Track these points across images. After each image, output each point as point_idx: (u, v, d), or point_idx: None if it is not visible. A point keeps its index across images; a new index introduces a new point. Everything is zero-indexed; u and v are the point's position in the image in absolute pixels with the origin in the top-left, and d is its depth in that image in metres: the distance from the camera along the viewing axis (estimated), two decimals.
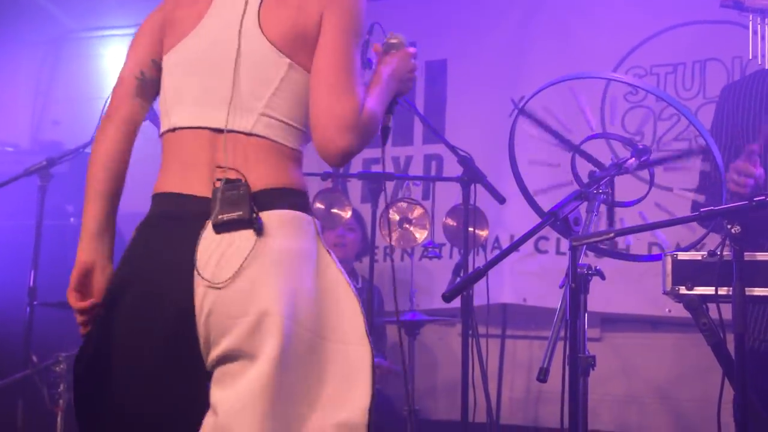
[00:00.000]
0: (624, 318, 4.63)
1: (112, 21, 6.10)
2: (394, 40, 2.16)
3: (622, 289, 4.20)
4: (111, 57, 6.01)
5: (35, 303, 3.73)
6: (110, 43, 6.12)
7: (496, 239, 4.84)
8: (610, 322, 4.63)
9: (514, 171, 2.80)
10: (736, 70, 4.60)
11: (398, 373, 4.70)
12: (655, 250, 4.35)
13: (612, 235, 2.22)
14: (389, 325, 4.70)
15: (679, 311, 3.18)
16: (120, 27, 6.12)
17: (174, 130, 1.96)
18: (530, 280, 4.74)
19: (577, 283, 2.24)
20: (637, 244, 4.34)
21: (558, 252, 4.78)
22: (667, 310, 4.32)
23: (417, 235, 3.90)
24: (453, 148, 3.38)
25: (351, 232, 4.66)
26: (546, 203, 2.56)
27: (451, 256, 4.76)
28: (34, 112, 6.25)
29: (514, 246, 2.27)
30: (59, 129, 6.00)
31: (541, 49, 4.97)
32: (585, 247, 2.22)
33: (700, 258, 2.34)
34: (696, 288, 2.33)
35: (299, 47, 1.94)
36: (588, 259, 2.35)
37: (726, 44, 4.58)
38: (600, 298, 2.17)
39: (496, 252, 4.77)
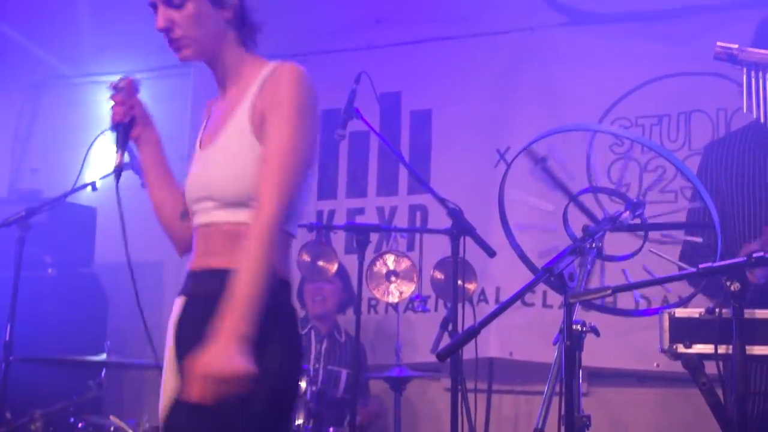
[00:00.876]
0: (612, 372, 4.56)
1: (95, 67, 6.06)
2: (121, 84, 2.27)
3: (611, 343, 4.14)
4: (92, 104, 5.96)
5: (11, 358, 3.62)
6: (92, 89, 6.07)
7: (482, 291, 4.78)
8: (598, 376, 4.56)
9: (504, 224, 2.74)
10: (721, 122, 4.60)
11: (380, 413, 4.60)
12: (643, 304, 4.30)
13: (609, 292, 2.17)
14: (374, 380, 4.61)
15: (667, 366, 3.13)
16: (102, 74, 6.08)
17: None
18: (517, 333, 4.68)
19: (573, 341, 2.18)
20: (623, 297, 4.29)
21: (545, 305, 4.72)
22: (655, 364, 4.26)
23: (404, 288, 3.83)
24: (442, 200, 3.34)
25: (328, 284, 4.58)
26: (530, 250, 2.52)
27: (436, 309, 4.69)
28: (13, 159, 6.17)
29: (509, 303, 2.20)
30: (38, 176, 5.92)
31: (525, 100, 4.96)
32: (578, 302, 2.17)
33: (698, 315, 2.29)
34: (694, 346, 2.28)
35: None
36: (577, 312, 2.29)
37: (711, 96, 4.59)
38: (587, 352, 2.12)
39: (482, 305, 4.70)
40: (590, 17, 4.95)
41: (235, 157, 2.10)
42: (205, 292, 2.04)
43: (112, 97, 2.25)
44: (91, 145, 3.87)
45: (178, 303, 2.17)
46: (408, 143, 5.25)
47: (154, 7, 2.18)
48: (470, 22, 5.17)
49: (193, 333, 2.01)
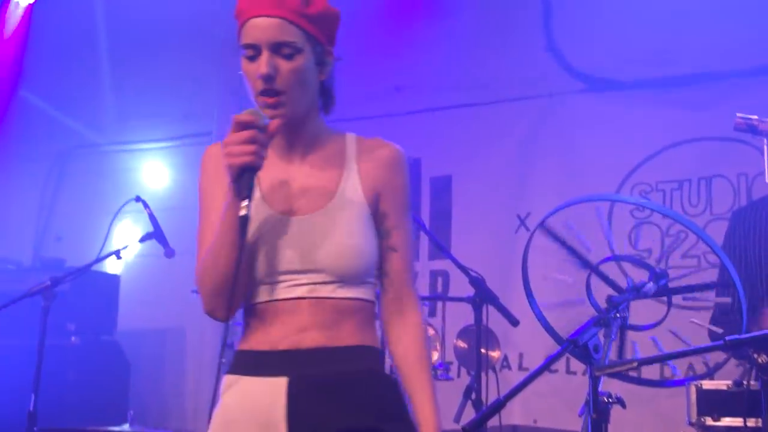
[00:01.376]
0: None
1: (120, 135, 6.16)
2: (259, 121, 1.90)
3: (637, 411, 4.09)
4: (116, 172, 6.04)
5: (35, 429, 3.62)
6: (116, 157, 6.16)
7: (505, 358, 4.75)
8: None
9: (528, 294, 2.74)
10: (742, 187, 4.60)
11: None
12: (667, 371, 4.26)
13: (635, 364, 2.15)
14: None
15: None
16: (126, 142, 6.17)
17: None
18: (541, 400, 4.64)
19: (599, 413, 2.16)
20: (648, 367, 4.25)
21: (568, 371, 4.69)
22: None
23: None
24: (463, 268, 3.34)
25: None
26: (555, 319, 2.51)
27: (459, 375, 4.66)
28: (37, 227, 6.23)
29: (534, 375, 2.20)
30: (62, 244, 5.97)
31: (545, 166, 4.99)
32: None
33: (725, 388, 2.27)
34: (723, 419, 2.26)
35: None
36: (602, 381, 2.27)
37: (731, 161, 4.59)
38: (613, 421, 2.10)
39: (505, 371, 4.68)
40: (608, 84, 4.99)
41: (357, 234, 1.97)
42: (338, 372, 1.91)
43: (253, 138, 1.84)
44: (116, 214, 3.92)
45: (273, 385, 1.91)
46: (428, 209, 5.28)
47: (256, 50, 1.95)
48: (489, 90, 5.23)
49: (325, 415, 1.88)
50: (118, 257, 3.92)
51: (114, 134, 6.19)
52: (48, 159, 6.30)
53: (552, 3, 5.16)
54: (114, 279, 5.23)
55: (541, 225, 2.65)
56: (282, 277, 1.94)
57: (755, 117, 2.49)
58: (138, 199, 3.78)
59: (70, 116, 6.19)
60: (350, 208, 2.00)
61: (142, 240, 3.88)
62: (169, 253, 3.86)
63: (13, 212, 6.26)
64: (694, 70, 4.80)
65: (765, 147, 2.46)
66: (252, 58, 1.96)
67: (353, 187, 2.02)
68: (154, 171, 6.02)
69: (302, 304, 1.93)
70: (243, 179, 1.82)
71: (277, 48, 1.94)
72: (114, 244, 4.19)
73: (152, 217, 3.78)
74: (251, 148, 1.82)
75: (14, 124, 6.14)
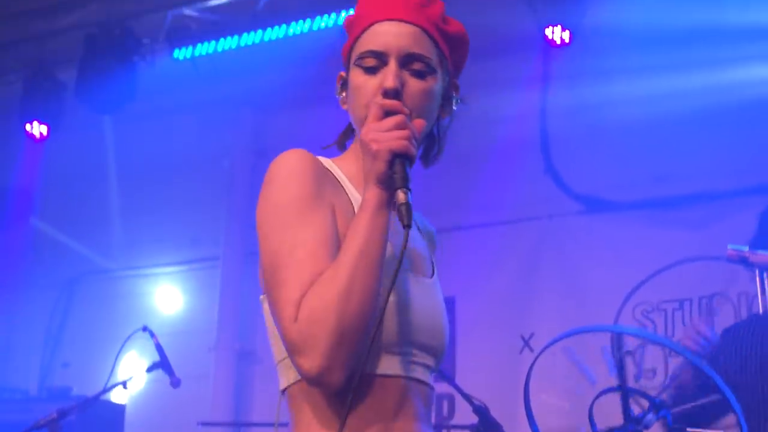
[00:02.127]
0: None
1: (127, 261, 6.24)
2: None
3: None
4: (124, 297, 6.10)
5: None
6: (124, 283, 6.23)
7: None
8: None
9: (530, 419, 2.77)
10: (743, 305, 4.64)
11: None
12: None
13: None
14: None
15: None
16: (134, 267, 6.25)
17: None
18: None
19: None
20: None
21: None
22: None
23: None
24: (467, 397, 3.36)
25: None
26: None
27: None
28: (44, 354, 6.25)
29: None
30: (69, 371, 5.99)
31: (547, 286, 5.05)
32: None
33: None
34: None
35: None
36: None
37: (731, 280, 4.63)
38: None
39: None
40: (606, 205, 5.09)
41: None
42: None
43: (404, 123, 1.53)
44: (124, 344, 3.96)
45: None
46: None
47: (380, 60, 1.61)
48: (490, 212, 5.32)
49: None
50: (125, 387, 3.96)
51: (123, 260, 6.28)
52: (57, 285, 6.38)
53: (549, 127, 5.30)
54: (119, 409, 5.21)
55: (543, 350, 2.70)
56: (407, 350, 1.56)
57: (746, 249, 2.56)
58: (145, 328, 3.83)
59: (79, 242, 6.29)
60: (440, 291, 1.71)
61: (148, 370, 3.92)
62: (175, 382, 3.89)
63: (21, 340, 6.30)
64: (690, 190, 4.89)
65: (757, 278, 2.52)
66: (370, 70, 1.62)
67: (435, 268, 1.76)
68: (162, 295, 6.09)
69: (415, 388, 1.57)
70: (395, 168, 1.48)
71: (408, 61, 1.62)
72: (121, 373, 4.22)
73: (159, 347, 3.82)
74: (404, 132, 1.50)
75: (24, 251, 6.24)
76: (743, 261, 2.51)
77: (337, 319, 1.42)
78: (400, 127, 1.51)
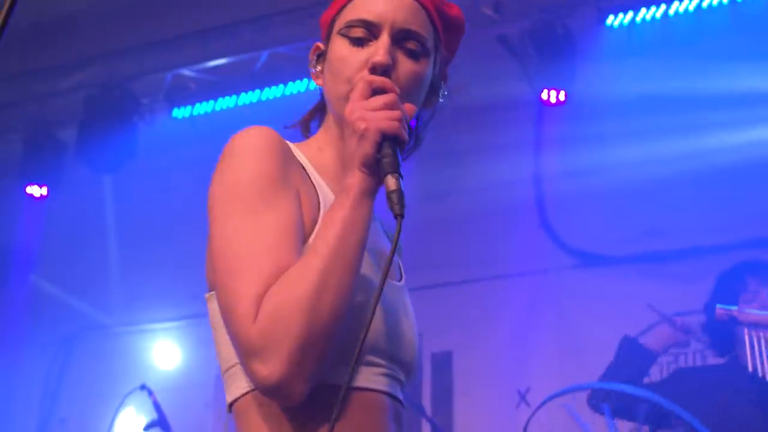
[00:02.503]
0: None
1: (127, 317, 6.27)
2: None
3: None
4: (123, 353, 6.11)
5: None
6: (123, 339, 6.25)
7: None
8: None
9: None
10: None
11: None
12: None
13: None
14: None
15: None
16: (134, 323, 6.27)
17: None
18: None
19: None
20: None
21: None
22: None
23: None
24: None
25: None
26: None
27: None
28: (41, 410, 6.25)
29: None
30: (65, 428, 5.99)
31: (543, 340, 5.08)
32: None
33: None
34: None
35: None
36: None
37: None
38: None
39: None
40: (601, 259, 5.15)
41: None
42: None
43: (395, 103, 1.34)
44: (122, 402, 3.99)
45: None
46: (429, 386, 5.32)
47: (370, 32, 1.43)
48: (486, 267, 5.37)
49: None
50: None
51: (121, 315, 6.30)
52: (55, 341, 6.39)
53: (543, 183, 5.37)
54: None
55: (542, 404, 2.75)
56: (380, 361, 1.38)
57: (735, 308, 2.61)
58: (143, 387, 3.87)
59: (78, 299, 6.32)
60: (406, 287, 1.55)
61: (146, 428, 3.94)
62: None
63: (18, 394, 6.30)
64: (683, 244, 4.95)
65: (746, 336, 2.57)
66: (358, 41, 1.43)
67: (402, 277, 1.56)
68: (160, 351, 6.11)
69: (386, 403, 1.39)
70: (384, 151, 1.30)
71: (402, 38, 1.43)
72: (118, 430, 4.24)
73: (156, 405, 3.85)
74: (395, 113, 1.32)
75: (24, 307, 6.27)
76: (732, 320, 2.56)
77: (307, 319, 1.22)
78: (390, 107, 1.33)
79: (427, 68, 1.46)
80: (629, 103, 4.86)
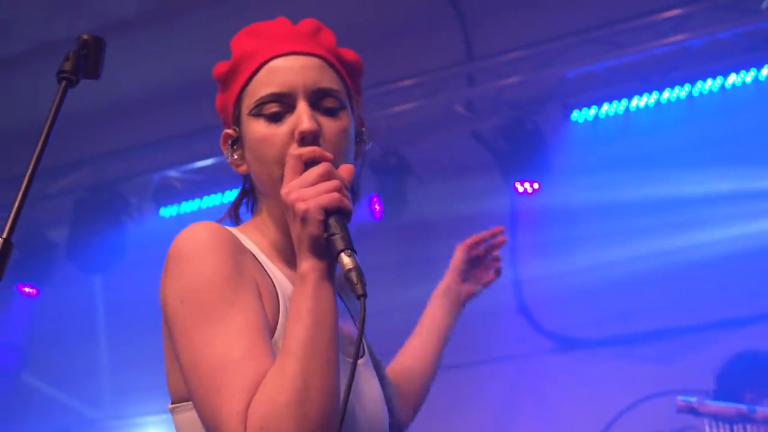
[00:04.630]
0: None
1: (117, 410, 6.31)
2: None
3: None
4: None
5: None
6: None
7: None
8: None
9: None
10: None
11: None
12: None
13: None
14: None
15: None
16: (125, 417, 6.31)
17: None
18: None
19: None
20: None
21: None
22: None
23: None
24: None
25: None
26: None
27: None
28: None
29: None
30: None
31: (524, 424, 5.18)
32: None
33: None
34: None
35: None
36: None
37: None
38: None
39: None
40: (578, 343, 5.28)
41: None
42: None
43: (330, 172, 1.28)
44: None
45: None
46: None
47: (284, 104, 1.39)
48: (463, 353, 5.47)
49: None
50: None
51: (111, 409, 6.34)
52: None
53: (520, 269, 5.52)
54: None
55: None
56: None
57: (695, 399, 2.73)
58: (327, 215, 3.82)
59: (68, 394, 6.37)
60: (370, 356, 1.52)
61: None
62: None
63: None
64: (659, 326, 5.08)
65: (707, 428, 2.68)
66: (274, 117, 1.39)
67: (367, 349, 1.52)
68: None
69: None
70: (332, 228, 1.24)
71: (317, 98, 1.39)
72: None
73: None
74: (333, 183, 1.26)
75: (12, 405, 6.31)
76: (692, 411, 2.68)
77: (298, 427, 1.17)
78: (326, 177, 1.27)
79: (349, 121, 1.42)
80: (598, 188, 5.05)
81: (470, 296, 2.02)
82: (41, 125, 1.35)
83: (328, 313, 1.24)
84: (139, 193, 5.50)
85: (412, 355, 1.90)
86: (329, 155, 1.32)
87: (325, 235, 1.24)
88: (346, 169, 1.32)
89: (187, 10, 5.01)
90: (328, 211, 1.24)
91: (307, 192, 1.25)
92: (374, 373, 1.51)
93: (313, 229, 1.24)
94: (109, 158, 5.50)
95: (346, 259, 1.22)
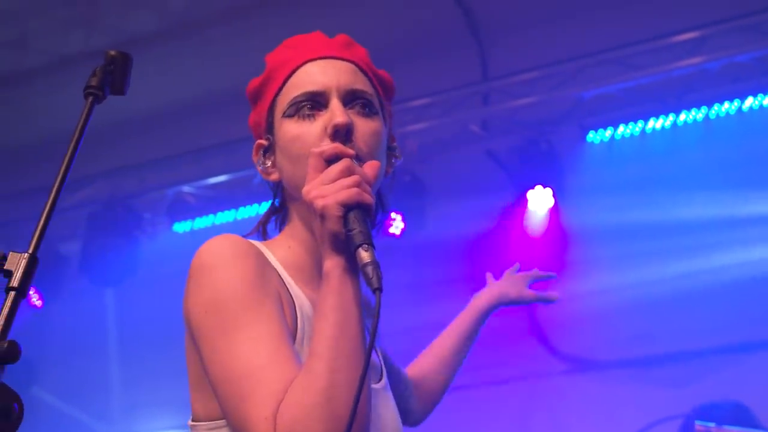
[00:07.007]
0: None
1: (127, 425, 6.29)
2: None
3: None
4: None
5: None
6: None
7: None
8: None
9: None
10: None
11: None
12: None
13: None
14: None
15: None
16: None
17: None
18: None
19: None
20: None
21: None
22: None
23: None
24: None
25: None
26: None
27: None
28: None
29: None
30: None
31: None
32: None
33: None
34: None
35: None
36: None
37: None
38: None
39: None
40: (592, 364, 5.24)
41: None
42: None
43: (351, 169, 1.28)
44: None
45: None
46: None
47: (317, 102, 1.40)
48: (478, 374, 5.45)
49: None
50: None
51: (122, 424, 6.33)
52: None
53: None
54: None
55: None
56: None
57: (713, 425, 2.70)
58: (348, 210, 3.79)
59: (78, 409, 6.36)
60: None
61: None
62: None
63: None
64: (670, 349, 5.05)
65: None
66: (308, 117, 1.39)
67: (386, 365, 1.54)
68: None
69: None
70: (351, 224, 1.23)
71: (351, 99, 1.40)
72: None
73: None
74: (353, 179, 1.25)
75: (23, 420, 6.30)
76: None
77: (326, 427, 1.17)
78: (346, 173, 1.26)
79: (382, 126, 1.43)
80: (613, 210, 5.03)
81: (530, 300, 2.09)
82: (58, 138, 1.34)
83: (352, 308, 1.24)
84: (153, 208, 5.51)
85: (439, 344, 2.00)
86: (350, 151, 1.32)
87: (345, 231, 1.24)
88: (370, 166, 1.32)
89: (203, 26, 5.03)
90: (347, 207, 1.24)
91: (327, 189, 1.25)
92: (392, 397, 1.50)
93: (332, 225, 1.24)
94: (123, 173, 5.51)
95: (363, 254, 1.21)
